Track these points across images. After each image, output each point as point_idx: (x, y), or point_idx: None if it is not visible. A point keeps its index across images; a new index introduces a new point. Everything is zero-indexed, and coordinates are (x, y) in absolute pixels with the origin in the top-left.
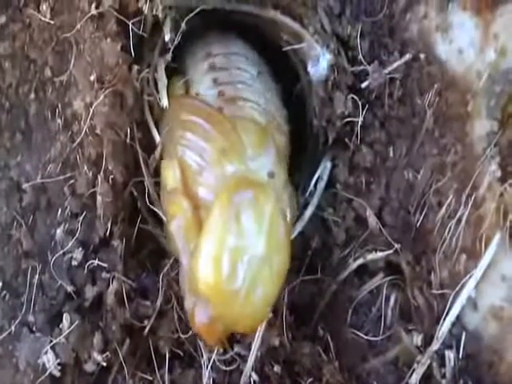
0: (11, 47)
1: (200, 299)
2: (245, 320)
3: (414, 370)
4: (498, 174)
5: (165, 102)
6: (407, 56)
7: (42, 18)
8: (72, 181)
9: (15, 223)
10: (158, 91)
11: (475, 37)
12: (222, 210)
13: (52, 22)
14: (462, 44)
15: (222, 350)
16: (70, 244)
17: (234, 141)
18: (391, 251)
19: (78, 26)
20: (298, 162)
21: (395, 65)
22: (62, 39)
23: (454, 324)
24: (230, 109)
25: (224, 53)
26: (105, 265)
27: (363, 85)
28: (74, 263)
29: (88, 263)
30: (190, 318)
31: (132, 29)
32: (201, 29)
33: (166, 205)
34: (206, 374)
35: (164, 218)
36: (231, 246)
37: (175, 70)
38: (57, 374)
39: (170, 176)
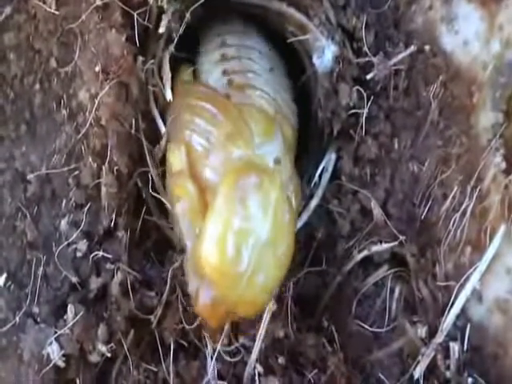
0: (16, 38)
1: (204, 281)
2: (246, 303)
3: (418, 362)
4: (503, 165)
5: (169, 96)
6: (412, 47)
7: (47, 9)
8: (77, 172)
9: (20, 214)
10: (163, 83)
11: (480, 28)
12: (228, 192)
13: (57, 13)
14: (467, 35)
15: (226, 342)
16: (74, 235)
17: (240, 127)
18: (396, 243)
19: (83, 17)
20: (303, 153)
21: (400, 56)
22: (67, 30)
23: (458, 316)
24: (238, 96)
25: (238, 44)
26: (109, 256)
27: (368, 76)
28: (79, 254)
29: (92, 254)
30: (193, 300)
31: (137, 20)
32: (219, 18)
33: (172, 187)
34: (211, 365)
35: (169, 207)
36: (236, 229)
37: (184, 60)
38: (61, 364)
39: (176, 158)
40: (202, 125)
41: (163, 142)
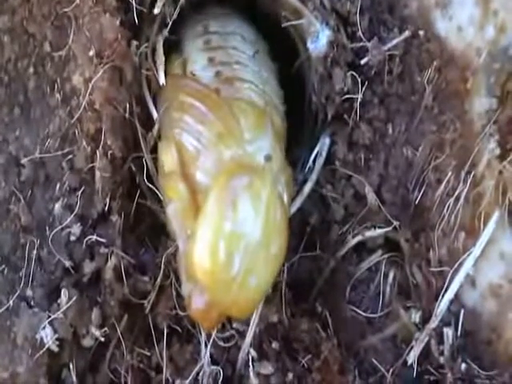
0: (10, 21)
1: (197, 285)
2: (239, 306)
3: (412, 347)
4: (497, 151)
5: (162, 80)
6: (407, 33)
7: None
8: (71, 156)
9: (13, 198)
10: (156, 67)
11: (475, 13)
12: (219, 196)
13: None
14: (461, 21)
15: (220, 327)
16: (68, 219)
17: (231, 125)
18: (390, 228)
19: (78, 1)
20: (297, 138)
21: (395, 41)
22: (62, 14)
23: (452, 301)
24: (228, 90)
25: (221, 31)
26: (103, 240)
27: (362, 61)
28: (73, 238)
29: (86, 238)
30: (186, 304)
31: (131, 4)
32: (200, 4)
33: (164, 188)
34: (205, 350)
35: (161, 197)
36: (227, 233)
37: (174, 45)
38: (55, 348)
39: (168, 159)
40: (192, 123)
41: (156, 128)
